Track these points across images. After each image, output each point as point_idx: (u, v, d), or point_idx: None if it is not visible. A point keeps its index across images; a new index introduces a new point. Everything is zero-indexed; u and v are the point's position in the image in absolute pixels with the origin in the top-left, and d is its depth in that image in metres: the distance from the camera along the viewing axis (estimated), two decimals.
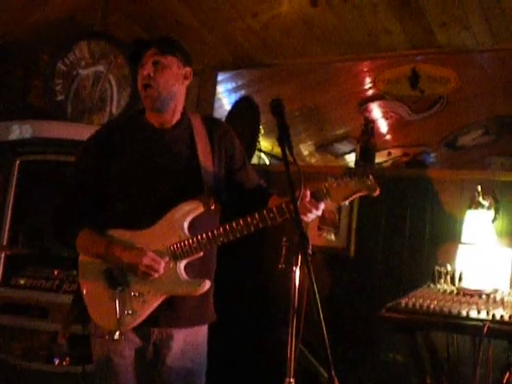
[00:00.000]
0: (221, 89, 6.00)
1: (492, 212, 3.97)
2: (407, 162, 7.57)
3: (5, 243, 4.20)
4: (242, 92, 6.17)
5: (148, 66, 2.74)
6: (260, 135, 5.31)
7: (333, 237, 4.52)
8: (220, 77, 5.65)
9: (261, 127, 5.27)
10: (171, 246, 2.67)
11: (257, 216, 2.60)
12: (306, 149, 7.59)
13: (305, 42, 4.89)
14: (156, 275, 2.64)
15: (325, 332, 2.03)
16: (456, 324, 3.22)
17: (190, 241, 2.65)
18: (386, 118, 7.05)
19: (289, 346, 2.21)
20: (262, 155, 6.67)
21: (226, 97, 6.25)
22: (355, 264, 4.41)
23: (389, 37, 4.57)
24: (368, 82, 6.33)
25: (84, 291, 2.77)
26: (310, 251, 2.16)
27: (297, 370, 2.23)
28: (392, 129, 7.33)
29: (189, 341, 2.82)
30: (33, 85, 5.02)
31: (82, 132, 4.07)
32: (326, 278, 4.36)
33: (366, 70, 6.07)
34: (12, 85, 5.04)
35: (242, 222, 2.61)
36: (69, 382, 3.82)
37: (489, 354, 3.29)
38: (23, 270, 4.14)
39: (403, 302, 3.37)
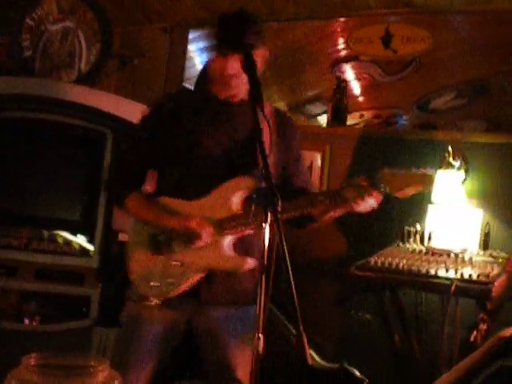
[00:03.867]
0: (192, 47, 5.91)
1: (462, 173, 3.98)
2: (379, 124, 7.56)
3: None
4: (214, 52, 6.09)
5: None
6: None
7: None
8: (191, 35, 5.56)
9: None
10: (218, 220, 2.62)
11: (303, 198, 2.60)
12: None
13: (277, 0, 4.82)
14: (200, 242, 2.59)
15: (293, 289, 2.02)
16: (424, 282, 3.25)
17: (240, 216, 2.61)
18: (359, 80, 7.01)
19: (258, 303, 2.20)
20: None
21: (197, 56, 6.16)
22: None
23: None
24: (341, 43, 6.27)
25: (129, 253, 2.75)
26: (279, 208, 2.15)
27: (266, 327, 2.23)
28: (364, 90, 7.30)
29: (235, 318, 2.76)
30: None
31: (50, 88, 4.04)
32: (294, 236, 4.36)
33: (339, 30, 6.01)
34: None
35: (294, 202, 2.57)
36: (38, 341, 3.80)
37: (456, 312, 3.33)
38: None
39: (372, 260, 3.39)
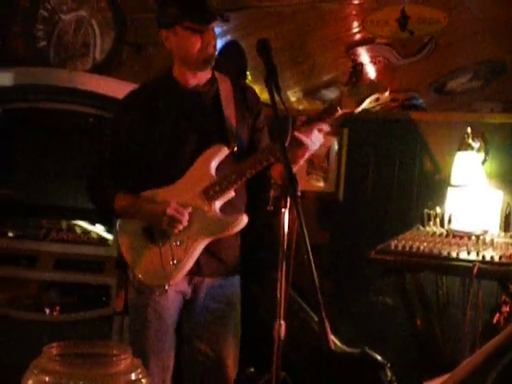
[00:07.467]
0: None
1: (482, 154, 3.94)
2: (396, 107, 7.50)
3: None
4: (229, 37, 6.07)
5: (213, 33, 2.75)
6: (247, 81, 5.24)
7: (322, 182, 4.50)
8: None
9: (248, 73, 5.19)
10: (203, 190, 2.69)
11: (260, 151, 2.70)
12: (293, 95, 7.50)
13: None
14: (180, 227, 2.67)
15: (315, 274, 2.01)
16: (446, 265, 3.23)
17: (220, 180, 2.69)
18: (374, 63, 6.95)
19: (278, 289, 2.19)
20: None
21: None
22: (344, 208, 4.39)
23: None
24: (356, 26, 6.23)
25: (125, 252, 2.82)
26: (298, 193, 2.14)
27: (287, 314, 2.21)
28: (380, 74, 7.23)
29: (224, 286, 2.89)
30: (12, 31, 4.90)
31: (66, 78, 4.03)
32: (315, 222, 4.34)
33: (354, 12, 5.97)
34: None
35: (266, 149, 2.68)
36: (59, 331, 3.81)
37: (478, 295, 3.30)
38: (9, 220, 4.10)
39: (393, 243, 3.37)
